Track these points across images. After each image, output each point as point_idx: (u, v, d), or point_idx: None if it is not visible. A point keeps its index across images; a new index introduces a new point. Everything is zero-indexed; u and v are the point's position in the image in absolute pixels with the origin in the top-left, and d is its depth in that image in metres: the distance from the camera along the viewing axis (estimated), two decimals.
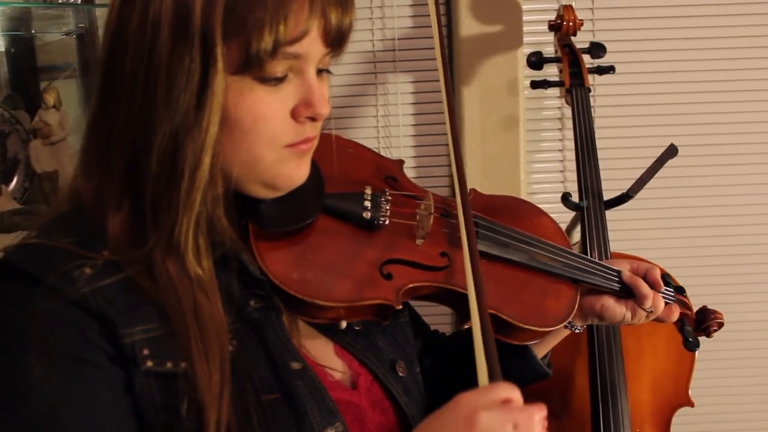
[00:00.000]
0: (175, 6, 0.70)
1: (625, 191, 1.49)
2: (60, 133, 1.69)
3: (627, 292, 1.06)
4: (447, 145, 1.94)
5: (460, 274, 0.91)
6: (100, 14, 1.71)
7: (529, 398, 0.75)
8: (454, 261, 0.93)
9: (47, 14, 1.79)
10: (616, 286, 1.06)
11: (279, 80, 0.74)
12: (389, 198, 0.94)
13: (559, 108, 1.96)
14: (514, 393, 0.67)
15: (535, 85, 1.63)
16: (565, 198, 1.49)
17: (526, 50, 1.84)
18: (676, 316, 1.10)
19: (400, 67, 1.91)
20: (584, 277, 1.04)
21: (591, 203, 1.47)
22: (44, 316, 0.68)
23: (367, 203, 0.91)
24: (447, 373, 1.06)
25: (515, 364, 1.04)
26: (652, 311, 1.06)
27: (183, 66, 0.70)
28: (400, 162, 1.07)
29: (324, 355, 0.87)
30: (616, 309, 1.07)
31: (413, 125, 1.95)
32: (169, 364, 0.71)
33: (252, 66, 0.71)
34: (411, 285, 0.88)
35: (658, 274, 1.07)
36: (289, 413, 0.76)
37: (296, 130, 0.77)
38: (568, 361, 1.50)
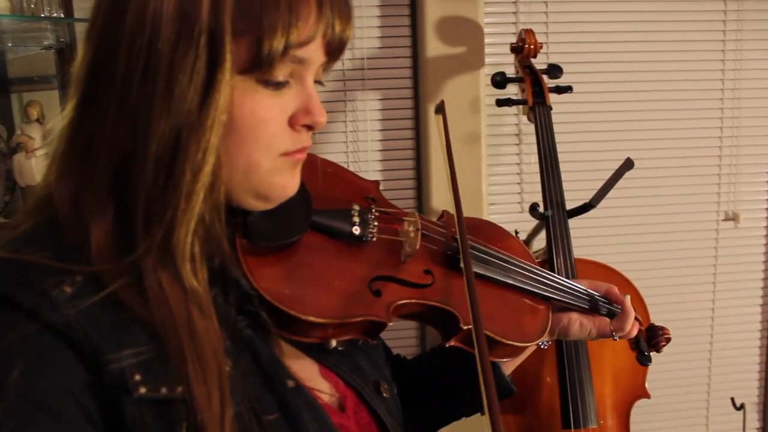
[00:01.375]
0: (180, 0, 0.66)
1: (587, 201, 1.62)
2: (44, 146, 1.68)
3: (594, 309, 1.11)
4: (413, 159, 2.04)
5: (444, 291, 0.93)
6: (80, 28, 1.68)
7: None
8: (437, 278, 0.93)
9: (23, 27, 1.75)
10: (585, 305, 1.11)
11: (281, 85, 0.71)
12: (376, 215, 0.93)
13: (516, 125, 2.07)
14: None
15: (501, 103, 1.73)
16: (533, 208, 1.60)
17: (487, 71, 1.96)
18: (635, 332, 1.14)
19: (368, 86, 1.98)
20: (555, 295, 1.08)
21: (555, 213, 1.58)
22: (20, 349, 0.60)
23: (356, 219, 0.89)
24: (412, 397, 1.04)
25: None
26: (621, 330, 1.11)
27: (187, 63, 0.65)
28: (377, 183, 1.06)
29: (310, 376, 0.83)
30: (583, 325, 1.10)
31: (381, 140, 2.02)
32: (164, 389, 0.65)
33: (262, 66, 0.68)
34: (400, 302, 0.87)
35: (617, 293, 1.13)
36: None
37: (293, 138, 0.74)
38: (537, 359, 1.58)
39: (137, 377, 0.63)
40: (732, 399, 1.91)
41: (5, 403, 0.59)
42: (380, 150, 2.03)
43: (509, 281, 1.03)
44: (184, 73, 0.65)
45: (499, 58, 1.99)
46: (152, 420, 0.64)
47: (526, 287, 1.05)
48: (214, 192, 0.69)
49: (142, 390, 0.63)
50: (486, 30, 1.96)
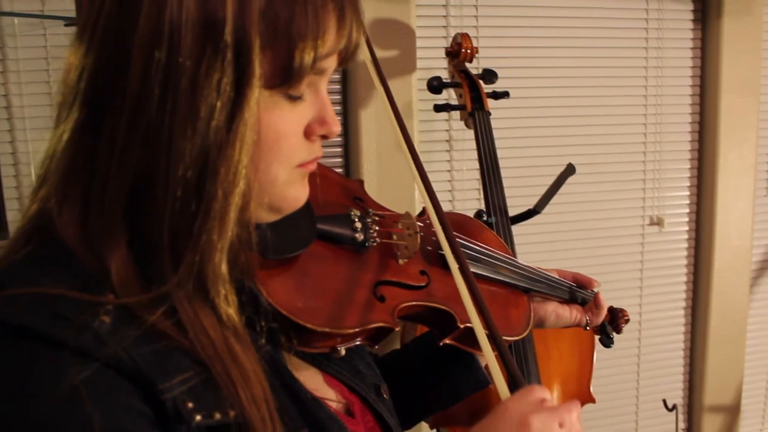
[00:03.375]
0: (202, 10, 0.59)
1: (532, 207, 1.60)
2: None
3: (572, 299, 1.13)
4: (342, 167, 1.97)
5: (440, 291, 0.92)
6: None
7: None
8: (433, 279, 0.93)
9: None
10: (566, 295, 1.13)
11: (299, 97, 0.68)
12: (375, 219, 0.92)
13: (447, 131, 2.05)
14: (547, 393, 0.71)
15: (439, 108, 1.69)
16: (479, 215, 1.57)
17: (418, 75, 1.92)
18: (602, 316, 1.18)
19: None
20: (536, 286, 1.08)
21: (498, 219, 1.56)
22: (82, 389, 0.55)
23: (357, 225, 0.88)
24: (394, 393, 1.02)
25: (465, 375, 1.07)
26: (595, 322, 1.14)
27: (212, 79, 0.60)
28: (360, 182, 1.05)
29: (316, 386, 0.81)
30: (559, 315, 1.13)
31: None
32: (218, 415, 0.62)
33: (291, 80, 0.64)
34: (402, 305, 0.86)
35: (585, 279, 1.17)
36: None
37: (308, 149, 0.71)
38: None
39: (190, 405, 0.60)
40: (664, 401, 1.94)
41: None
42: None
43: (494, 276, 1.03)
44: (210, 90, 0.60)
45: (429, 62, 1.95)
46: None
47: (509, 281, 1.05)
48: (245, 212, 0.65)
49: (198, 417, 0.61)
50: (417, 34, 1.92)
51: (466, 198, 2.06)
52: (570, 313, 1.14)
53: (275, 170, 0.68)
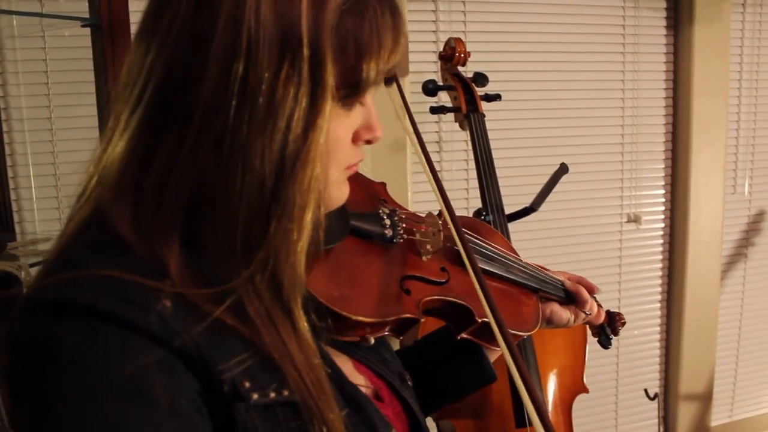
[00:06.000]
0: (279, 25, 0.61)
1: (528, 205, 1.67)
2: None
3: (570, 299, 1.19)
4: None
5: (459, 287, 0.96)
6: None
7: None
8: (452, 275, 0.97)
9: None
10: (562, 294, 1.19)
11: (354, 106, 0.71)
12: (402, 217, 0.97)
13: (437, 132, 2.10)
14: None
15: (435, 110, 1.74)
16: (478, 214, 1.62)
17: (410, 79, 1.97)
18: (602, 318, 1.25)
19: None
20: (542, 286, 1.14)
21: (495, 217, 1.61)
22: (151, 371, 0.57)
23: (386, 222, 0.93)
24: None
25: (473, 369, 1.11)
26: (590, 313, 1.20)
27: (289, 91, 0.62)
28: (384, 184, 1.08)
29: (348, 371, 0.84)
30: (562, 314, 1.18)
31: None
32: (272, 394, 0.65)
33: (359, 92, 0.68)
34: (426, 299, 0.90)
35: (588, 283, 1.22)
36: (363, 426, 0.75)
37: (354, 152, 0.76)
38: None
39: (247, 384, 0.63)
40: (646, 390, 2.02)
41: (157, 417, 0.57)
42: None
43: (506, 275, 1.08)
44: (287, 101, 0.62)
45: (419, 66, 2.00)
46: (261, 424, 0.64)
47: (521, 281, 1.10)
48: (318, 212, 0.68)
49: (255, 396, 0.63)
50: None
51: (454, 198, 2.12)
52: (571, 311, 1.20)
53: (329, 172, 0.71)
